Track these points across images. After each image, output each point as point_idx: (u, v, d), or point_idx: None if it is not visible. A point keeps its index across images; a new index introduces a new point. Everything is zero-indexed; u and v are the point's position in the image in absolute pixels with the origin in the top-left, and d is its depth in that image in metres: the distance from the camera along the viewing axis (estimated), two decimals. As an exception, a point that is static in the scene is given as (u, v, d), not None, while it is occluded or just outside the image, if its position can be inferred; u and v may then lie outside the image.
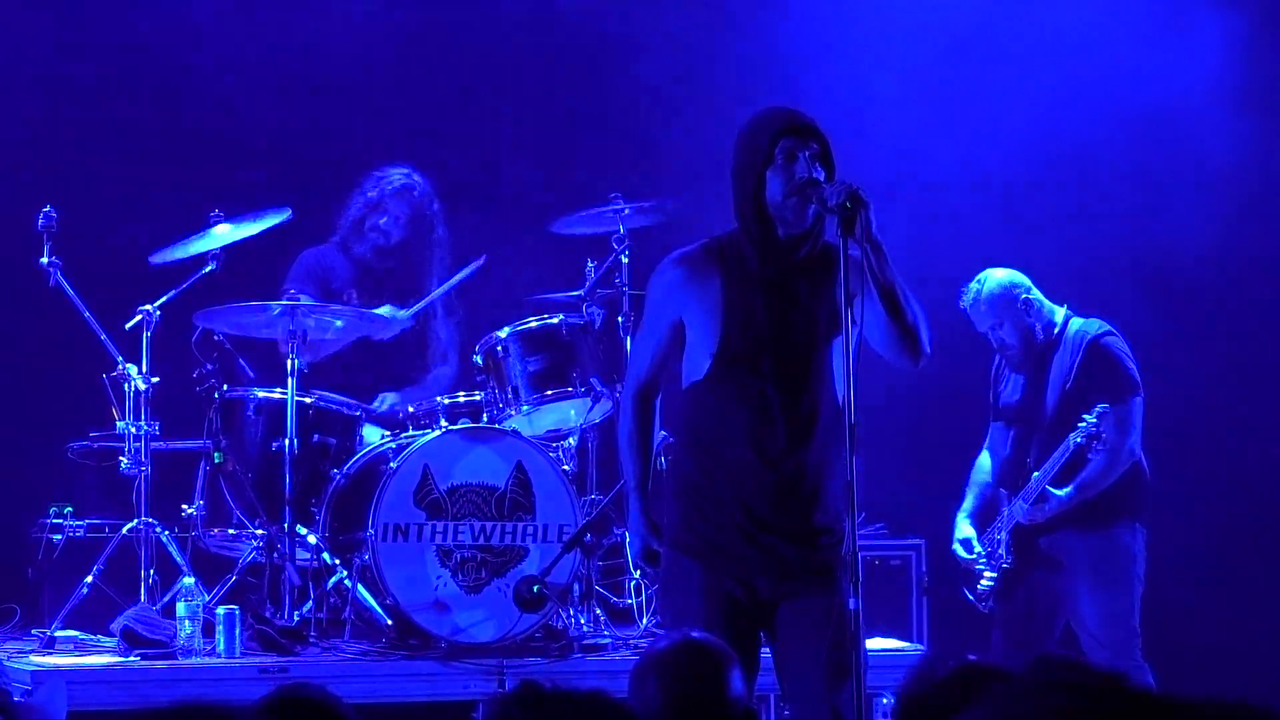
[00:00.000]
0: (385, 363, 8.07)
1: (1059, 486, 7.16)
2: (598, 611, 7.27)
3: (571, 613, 7.24)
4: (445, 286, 8.02)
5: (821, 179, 5.22)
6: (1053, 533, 7.23)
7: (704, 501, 5.34)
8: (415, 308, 8.00)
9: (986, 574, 7.34)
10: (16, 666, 6.65)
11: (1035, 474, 7.21)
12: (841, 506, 5.20)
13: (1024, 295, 7.36)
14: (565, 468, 7.36)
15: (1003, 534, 7.30)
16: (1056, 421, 7.25)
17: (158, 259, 7.63)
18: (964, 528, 7.43)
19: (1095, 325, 7.39)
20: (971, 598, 7.40)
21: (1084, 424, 7.06)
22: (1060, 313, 7.42)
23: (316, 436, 7.50)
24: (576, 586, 7.22)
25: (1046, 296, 7.45)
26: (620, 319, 7.50)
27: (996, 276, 7.41)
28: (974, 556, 7.35)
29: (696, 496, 5.35)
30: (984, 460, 7.57)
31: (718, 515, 5.31)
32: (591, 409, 7.49)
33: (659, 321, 5.39)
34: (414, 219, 8.11)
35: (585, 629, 7.21)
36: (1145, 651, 7.24)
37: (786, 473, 5.30)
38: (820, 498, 5.32)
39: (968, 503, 7.50)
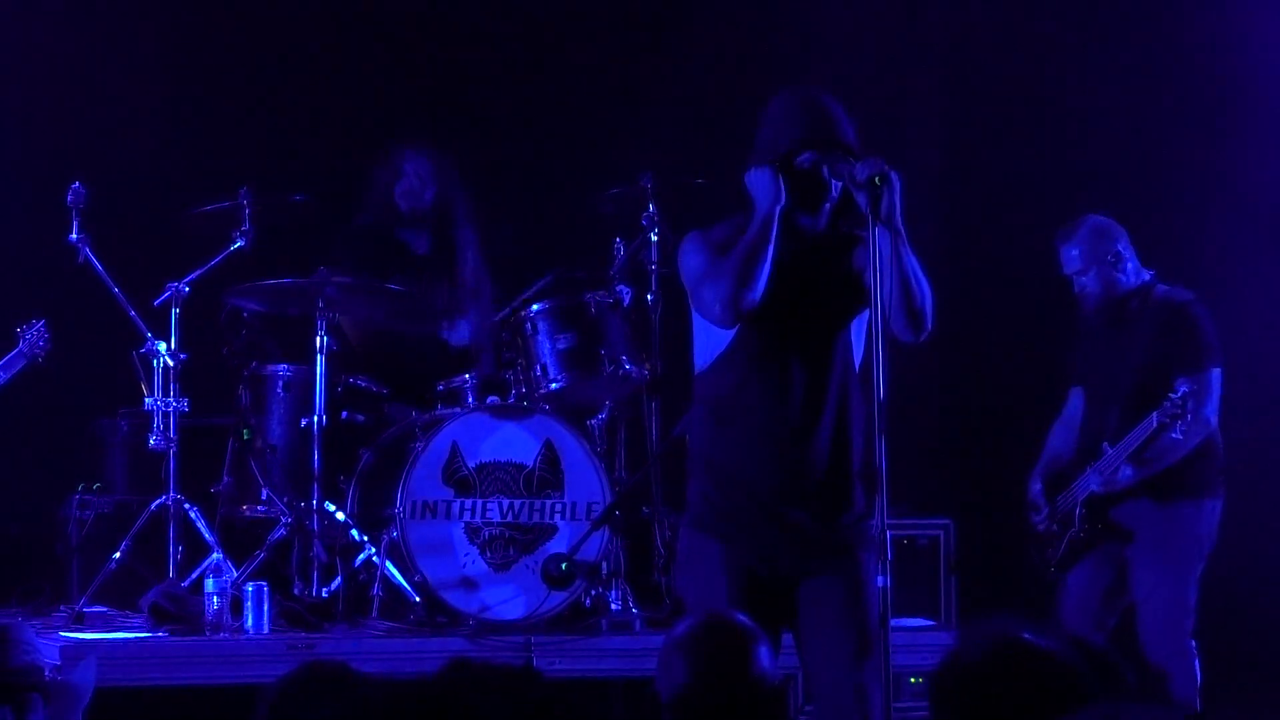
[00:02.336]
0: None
1: (1136, 457, 7.10)
2: (626, 589, 7.27)
3: (599, 591, 7.23)
4: (522, 299, 8.00)
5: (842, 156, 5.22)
6: (1121, 503, 7.18)
7: (725, 478, 5.31)
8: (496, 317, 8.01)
9: (1058, 538, 7.31)
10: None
11: (1107, 446, 7.15)
12: (862, 484, 5.23)
13: (1116, 245, 7.28)
14: (596, 444, 7.36)
15: (1076, 503, 7.24)
16: (1137, 390, 7.15)
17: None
18: (1035, 487, 7.38)
19: (1182, 292, 7.32)
20: (1039, 561, 7.35)
21: (1168, 402, 6.96)
22: (1147, 277, 7.34)
23: (345, 414, 7.51)
24: (604, 565, 7.22)
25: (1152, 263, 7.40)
26: (649, 297, 7.49)
27: (1093, 220, 7.34)
28: (1051, 518, 7.30)
29: (718, 473, 5.32)
30: (1062, 424, 7.51)
31: (739, 492, 5.29)
32: (619, 387, 7.48)
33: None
34: (436, 174, 8.11)
35: (613, 607, 7.20)
36: (1199, 632, 7.19)
37: (807, 449, 5.27)
38: (841, 474, 5.31)
39: (1041, 467, 7.44)
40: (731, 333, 5.31)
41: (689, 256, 5.37)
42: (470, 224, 8.17)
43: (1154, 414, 6.99)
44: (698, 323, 5.41)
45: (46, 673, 5.20)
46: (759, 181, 5.26)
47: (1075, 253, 7.31)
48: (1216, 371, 7.15)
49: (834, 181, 5.23)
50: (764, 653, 4.15)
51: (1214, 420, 7.14)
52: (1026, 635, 3.50)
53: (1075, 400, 7.51)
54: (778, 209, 5.22)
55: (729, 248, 5.29)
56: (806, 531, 5.28)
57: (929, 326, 5.26)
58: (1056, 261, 7.36)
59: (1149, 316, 7.27)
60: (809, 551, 5.28)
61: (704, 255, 5.32)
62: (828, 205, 5.29)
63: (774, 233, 5.22)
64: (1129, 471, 7.13)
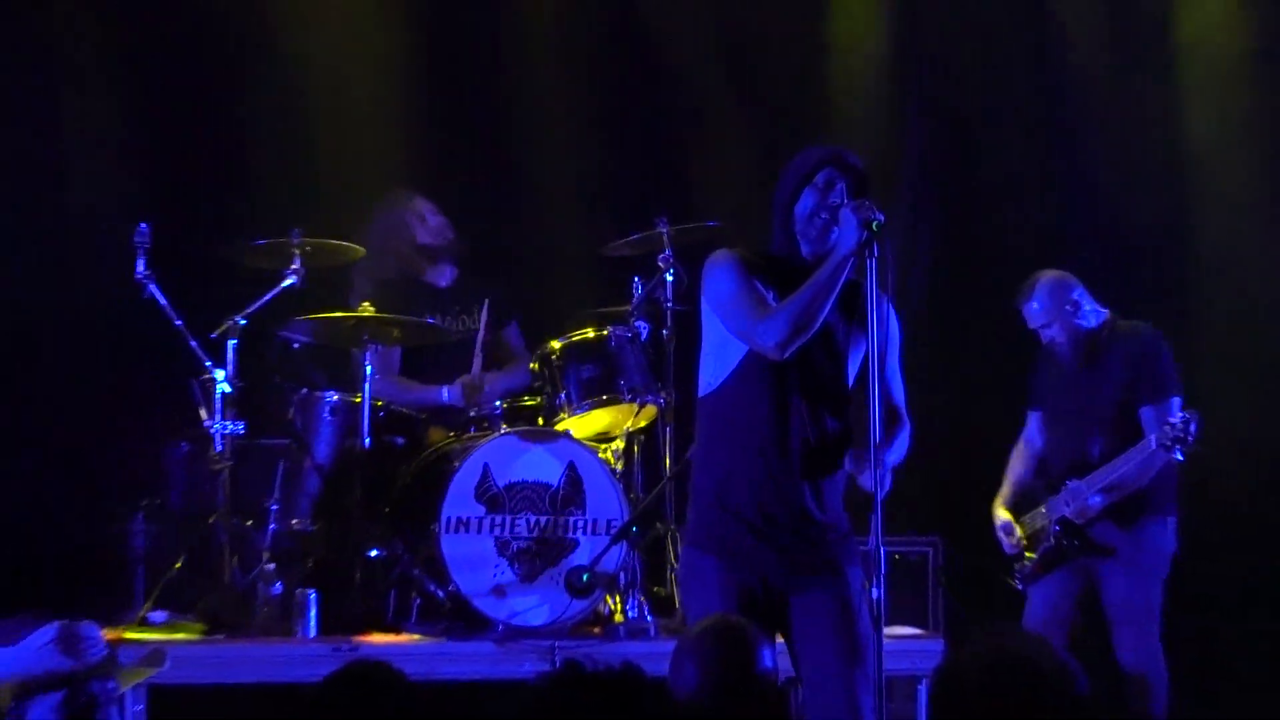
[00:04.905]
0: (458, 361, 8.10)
1: (1107, 487, 7.14)
2: (641, 599, 7.30)
3: (617, 599, 7.27)
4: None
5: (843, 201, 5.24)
6: (1095, 524, 7.23)
7: (723, 505, 5.29)
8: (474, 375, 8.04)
9: (1028, 554, 7.35)
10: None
11: (1095, 468, 7.18)
12: (842, 505, 5.29)
13: (1072, 294, 7.35)
14: (614, 466, 7.39)
15: (1050, 521, 7.27)
16: (1115, 418, 7.23)
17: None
18: (1002, 513, 7.44)
19: (1144, 327, 7.39)
20: (1014, 581, 7.39)
21: (1167, 426, 6.99)
22: (1106, 314, 7.41)
23: (386, 436, 7.54)
24: (622, 576, 7.25)
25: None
26: (664, 331, 7.53)
27: (1047, 277, 7.40)
28: (1017, 538, 7.35)
29: (716, 500, 5.30)
30: (1020, 449, 7.56)
31: (735, 517, 5.27)
32: (637, 414, 7.52)
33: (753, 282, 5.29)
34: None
35: (630, 614, 7.24)
36: (1167, 638, 7.23)
37: (801, 475, 5.28)
38: (827, 498, 5.32)
39: (1005, 490, 7.52)
40: (739, 360, 5.30)
41: (725, 278, 5.30)
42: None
43: (1151, 435, 7.01)
44: (708, 346, 5.40)
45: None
46: (846, 222, 5.13)
47: (1036, 308, 7.39)
48: (1177, 400, 7.20)
49: (832, 230, 5.22)
50: (767, 655, 4.19)
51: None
52: (1022, 648, 3.53)
53: (1034, 423, 7.56)
54: (853, 258, 5.12)
55: (758, 272, 5.30)
56: (796, 551, 5.28)
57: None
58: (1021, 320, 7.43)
59: (1116, 351, 7.32)
60: (798, 569, 5.27)
61: (743, 283, 5.27)
62: (825, 253, 5.30)
63: (843, 279, 5.16)
64: (1098, 499, 7.17)
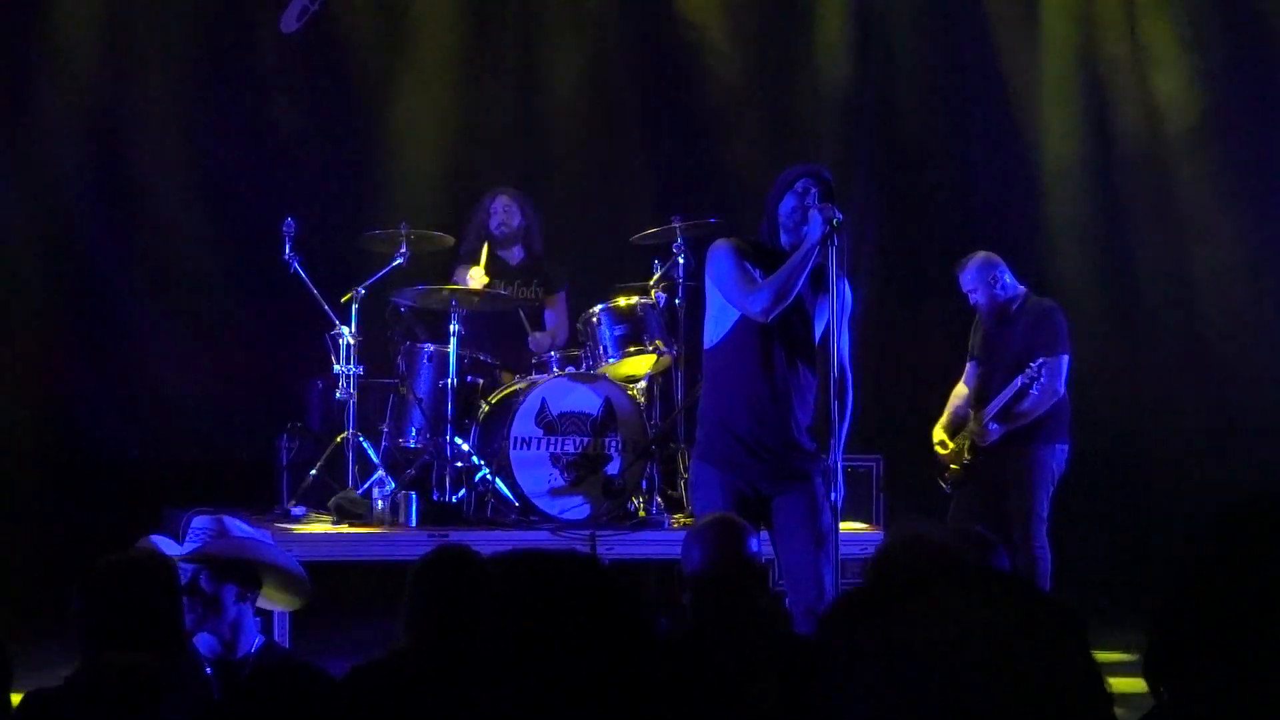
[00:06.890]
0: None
1: (1007, 416, 7.11)
2: (658, 499, 7.29)
3: (640, 500, 7.26)
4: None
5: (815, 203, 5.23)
6: (1001, 445, 7.19)
7: (724, 428, 5.32)
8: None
9: (953, 466, 7.32)
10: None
11: (990, 403, 7.16)
12: (815, 433, 5.27)
13: (995, 271, 7.30)
14: (639, 401, 7.37)
15: (967, 442, 7.26)
16: (1014, 367, 7.19)
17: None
18: (939, 434, 7.42)
19: (1048, 301, 7.35)
20: (943, 485, 7.38)
21: (1028, 370, 6.99)
22: (1022, 290, 7.36)
23: (470, 377, 7.54)
24: (644, 483, 7.24)
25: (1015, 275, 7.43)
26: (677, 301, 7.50)
27: (979, 255, 7.37)
28: (948, 453, 7.33)
29: (719, 424, 5.34)
30: (960, 388, 7.54)
31: (733, 437, 5.29)
32: (656, 362, 7.50)
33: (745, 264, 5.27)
34: (519, 205, 8.12)
35: (650, 511, 7.22)
36: (1051, 536, 7.21)
37: (778, 408, 5.28)
38: (802, 425, 5.32)
39: (944, 418, 7.48)
40: (734, 322, 5.29)
41: (723, 261, 5.27)
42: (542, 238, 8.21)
43: (1018, 378, 7.01)
44: (710, 312, 5.41)
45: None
46: (814, 220, 5.12)
47: (967, 278, 7.34)
48: (1066, 357, 7.17)
49: (804, 226, 5.20)
50: (753, 542, 4.19)
51: (1063, 390, 7.14)
52: (924, 529, 3.53)
53: (970, 370, 7.52)
54: (819, 246, 5.10)
55: (749, 256, 5.26)
56: (777, 464, 5.28)
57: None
58: (956, 283, 7.39)
59: (1024, 317, 7.27)
60: (778, 477, 5.29)
61: (737, 265, 5.24)
62: (798, 242, 5.27)
63: (812, 263, 5.14)
64: (995, 427, 7.14)
